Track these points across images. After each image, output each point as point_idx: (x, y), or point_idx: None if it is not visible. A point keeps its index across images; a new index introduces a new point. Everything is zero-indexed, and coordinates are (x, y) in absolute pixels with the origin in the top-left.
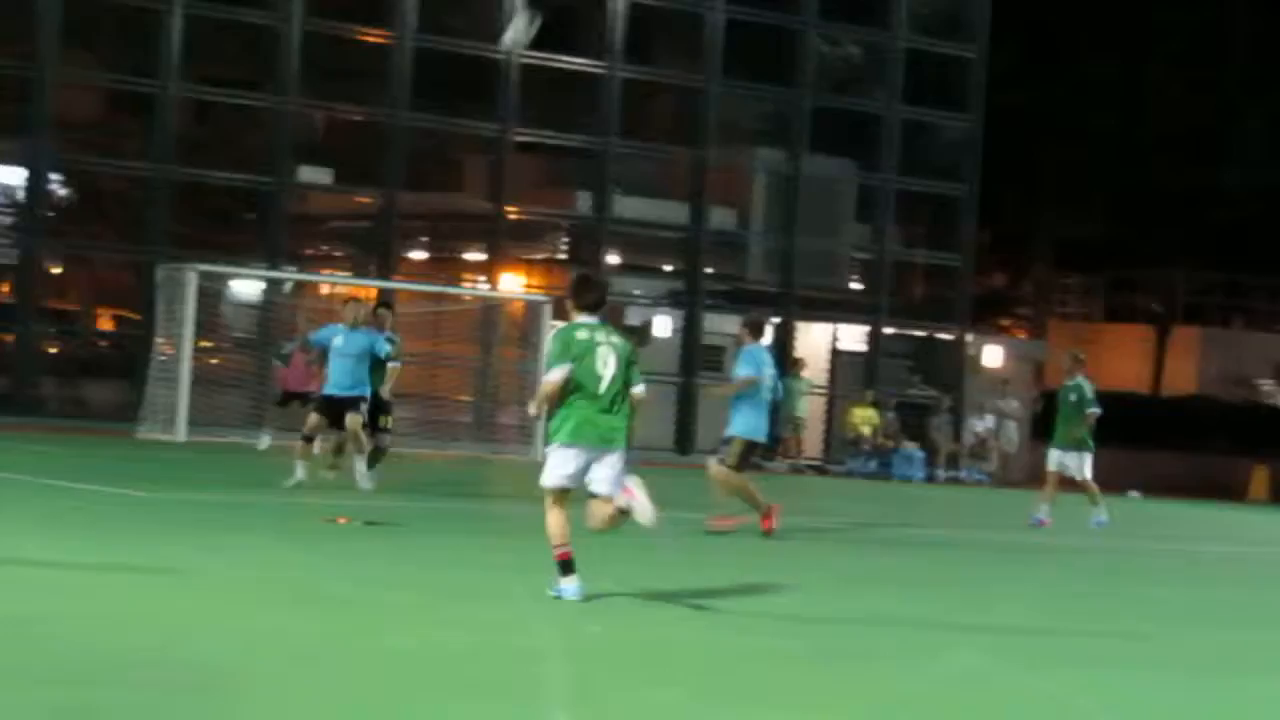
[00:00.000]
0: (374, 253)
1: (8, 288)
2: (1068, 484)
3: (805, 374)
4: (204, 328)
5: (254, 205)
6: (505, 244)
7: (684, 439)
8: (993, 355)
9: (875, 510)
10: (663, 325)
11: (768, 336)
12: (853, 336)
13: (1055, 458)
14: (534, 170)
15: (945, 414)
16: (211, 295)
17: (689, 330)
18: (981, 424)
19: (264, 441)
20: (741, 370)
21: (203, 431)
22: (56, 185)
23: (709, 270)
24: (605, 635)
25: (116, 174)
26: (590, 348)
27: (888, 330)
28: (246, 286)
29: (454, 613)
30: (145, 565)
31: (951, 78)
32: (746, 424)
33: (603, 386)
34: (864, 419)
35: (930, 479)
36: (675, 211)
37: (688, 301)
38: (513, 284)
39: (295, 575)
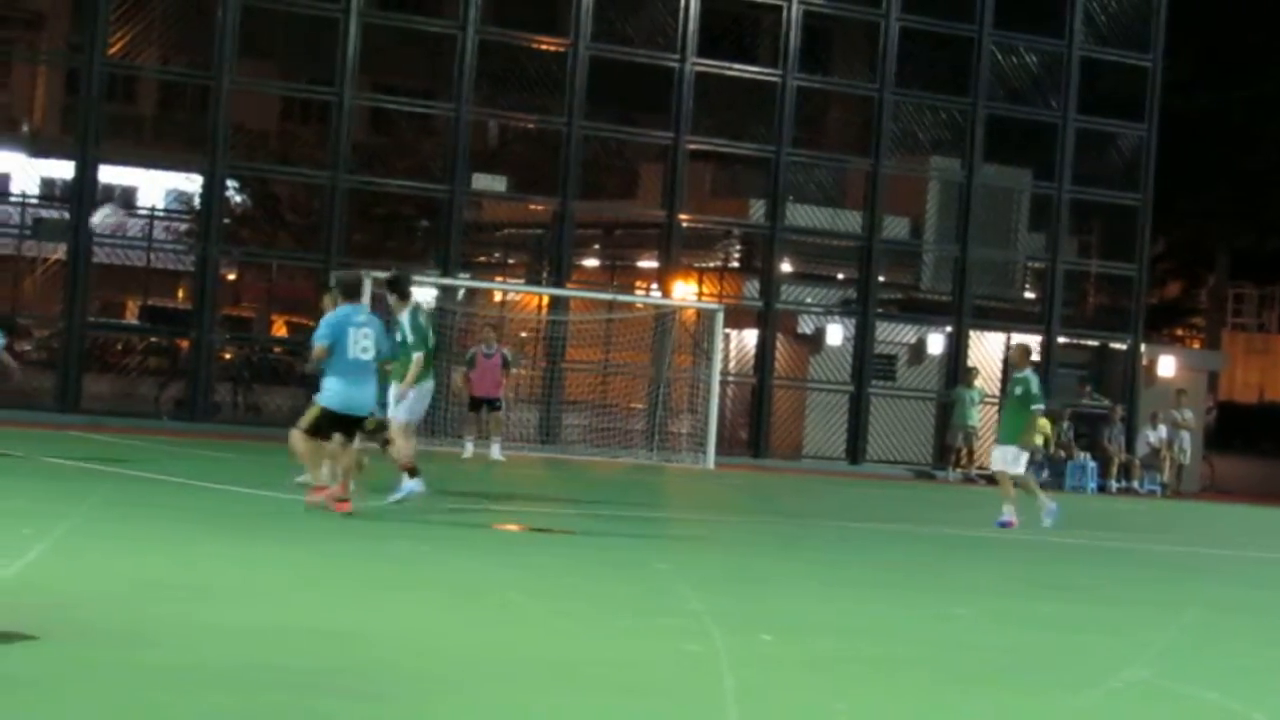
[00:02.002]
0: (547, 260)
1: (185, 294)
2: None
3: (978, 383)
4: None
5: (428, 213)
6: (678, 252)
7: (855, 448)
8: (1166, 365)
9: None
10: (835, 334)
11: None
12: None
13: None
14: (708, 178)
15: (1119, 424)
16: (386, 301)
17: (861, 339)
18: (1155, 434)
19: (467, 449)
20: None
21: (380, 438)
22: (233, 192)
23: (882, 279)
24: (777, 644)
25: (292, 181)
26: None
27: (1061, 340)
28: (420, 294)
29: (624, 621)
30: (312, 570)
31: (1127, 86)
32: None
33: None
34: (1037, 429)
35: (1103, 489)
36: (849, 220)
37: (860, 310)
38: (685, 291)
39: (464, 582)
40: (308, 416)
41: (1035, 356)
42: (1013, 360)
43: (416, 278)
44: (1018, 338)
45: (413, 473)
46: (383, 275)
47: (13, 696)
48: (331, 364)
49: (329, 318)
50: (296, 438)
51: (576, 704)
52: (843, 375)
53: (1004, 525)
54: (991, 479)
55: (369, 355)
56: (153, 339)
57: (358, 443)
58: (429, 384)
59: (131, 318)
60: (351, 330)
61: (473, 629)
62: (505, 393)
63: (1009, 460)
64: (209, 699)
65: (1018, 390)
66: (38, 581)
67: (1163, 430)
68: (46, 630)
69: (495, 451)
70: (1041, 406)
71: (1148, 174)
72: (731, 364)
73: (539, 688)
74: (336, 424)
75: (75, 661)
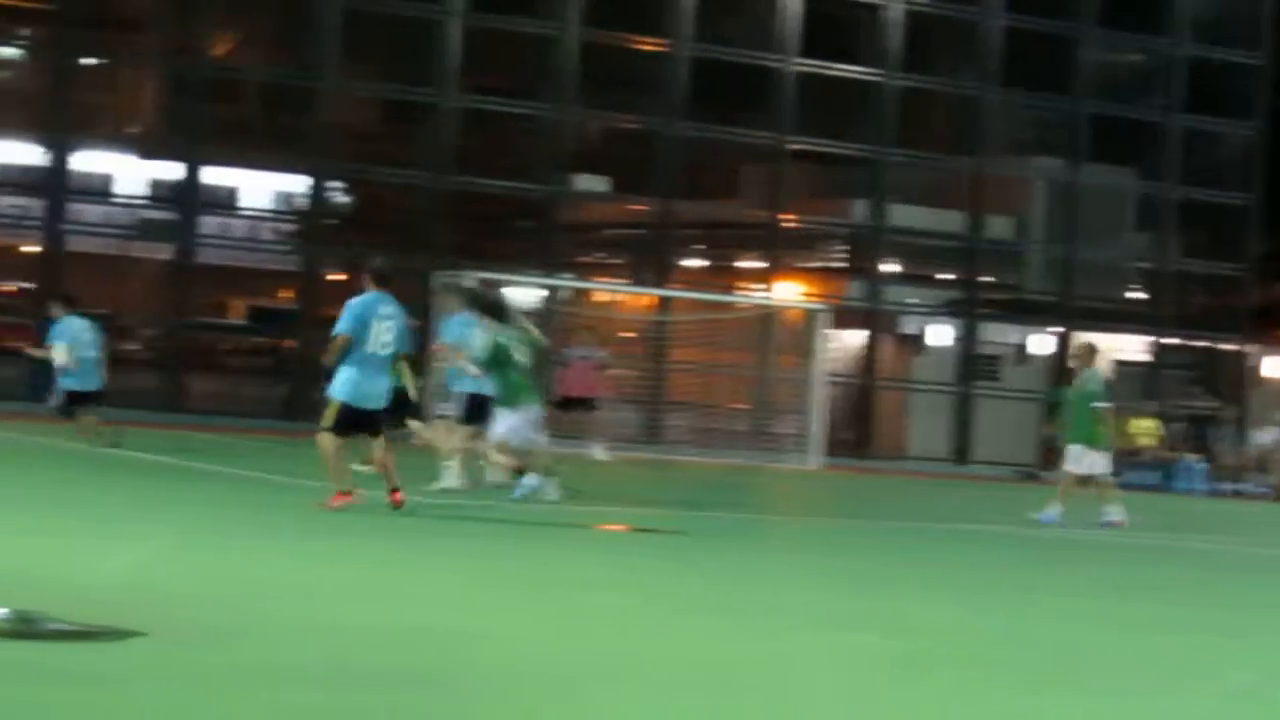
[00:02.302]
0: (650, 261)
1: (289, 295)
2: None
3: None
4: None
5: (530, 213)
6: (781, 252)
7: (962, 449)
8: (1272, 366)
9: (1156, 522)
10: (939, 334)
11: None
12: (1133, 347)
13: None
14: (810, 178)
15: (1228, 426)
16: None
17: (966, 340)
18: (1265, 436)
19: (598, 452)
20: None
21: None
22: (336, 193)
23: (986, 279)
24: (880, 644)
25: (395, 182)
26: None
27: (1168, 340)
28: (522, 294)
29: (728, 621)
30: (418, 569)
31: (1234, 84)
32: None
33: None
34: (1144, 430)
35: (1212, 492)
36: (952, 220)
37: (965, 311)
38: (788, 292)
39: (569, 581)
40: (328, 414)
41: (1102, 354)
42: (1079, 358)
43: (518, 278)
44: (1125, 339)
45: (520, 471)
46: (485, 277)
47: (119, 693)
48: (350, 355)
49: (354, 305)
50: (324, 439)
51: (679, 704)
52: (947, 376)
53: (1109, 525)
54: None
55: (388, 351)
56: (257, 339)
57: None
58: (531, 406)
59: (237, 318)
60: (375, 322)
61: (576, 629)
62: (601, 391)
63: (1076, 459)
64: (311, 698)
65: (1085, 388)
66: (144, 579)
67: (1274, 432)
68: (152, 627)
69: (598, 452)
70: (1104, 405)
71: (1256, 173)
72: (836, 364)
73: (641, 688)
74: (355, 419)
75: (181, 660)
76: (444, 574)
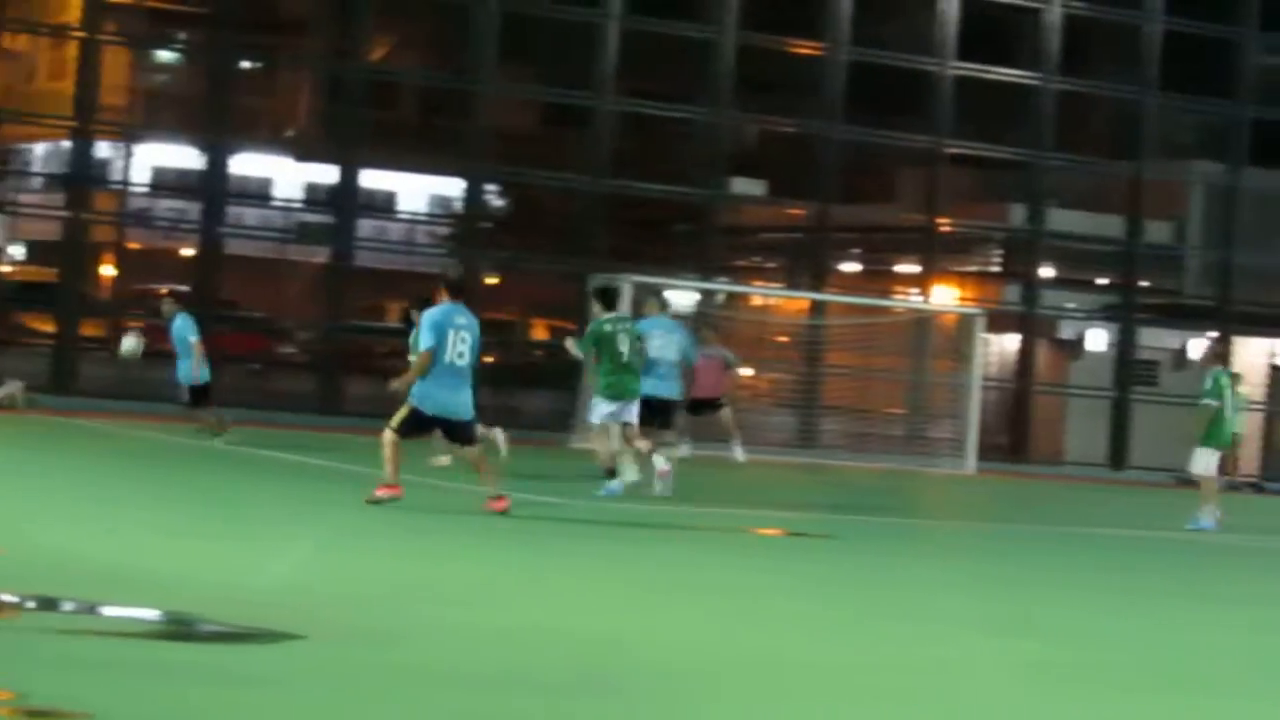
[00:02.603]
0: (806, 265)
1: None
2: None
3: (1242, 389)
4: None
5: (687, 217)
6: (937, 256)
7: (1118, 454)
8: None
9: None
10: (1096, 339)
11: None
12: None
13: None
14: (967, 182)
15: None
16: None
17: (1123, 345)
18: None
19: (738, 454)
20: None
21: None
22: (493, 197)
23: (1144, 284)
24: (1040, 651)
25: (551, 186)
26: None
27: None
28: (678, 298)
29: (883, 626)
30: (572, 573)
31: None
32: None
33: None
34: None
35: None
36: (1110, 225)
37: (1122, 316)
38: (944, 296)
39: (723, 585)
40: (398, 414)
41: (1226, 355)
42: (1203, 359)
43: (675, 281)
44: None
45: (611, 474)
46: (641, 280)
47: (281, 694)
48: (429, 366)
49: (431, 315)
50: (387, 434)
51: (835, 709)
52: (1103, 381)
53: (1198, 529)
54: (1256, 485)
55: (465, 360)
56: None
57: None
58: (622, 397)
59: (393, 321)
60: (451, 332)
61: (731, 633)
62: (727, 391)
63: (1194, 460)
64: (465, 701)
65: (1201, 389)
66: (301, 582)
67: None
68: (309, 630)
69: (738, 453)
70: (1208, 403)
71: None
72: (991, 369)
73: (796, 693)
74: (425, 425)
75: (337, 661)
76: (599, 578)
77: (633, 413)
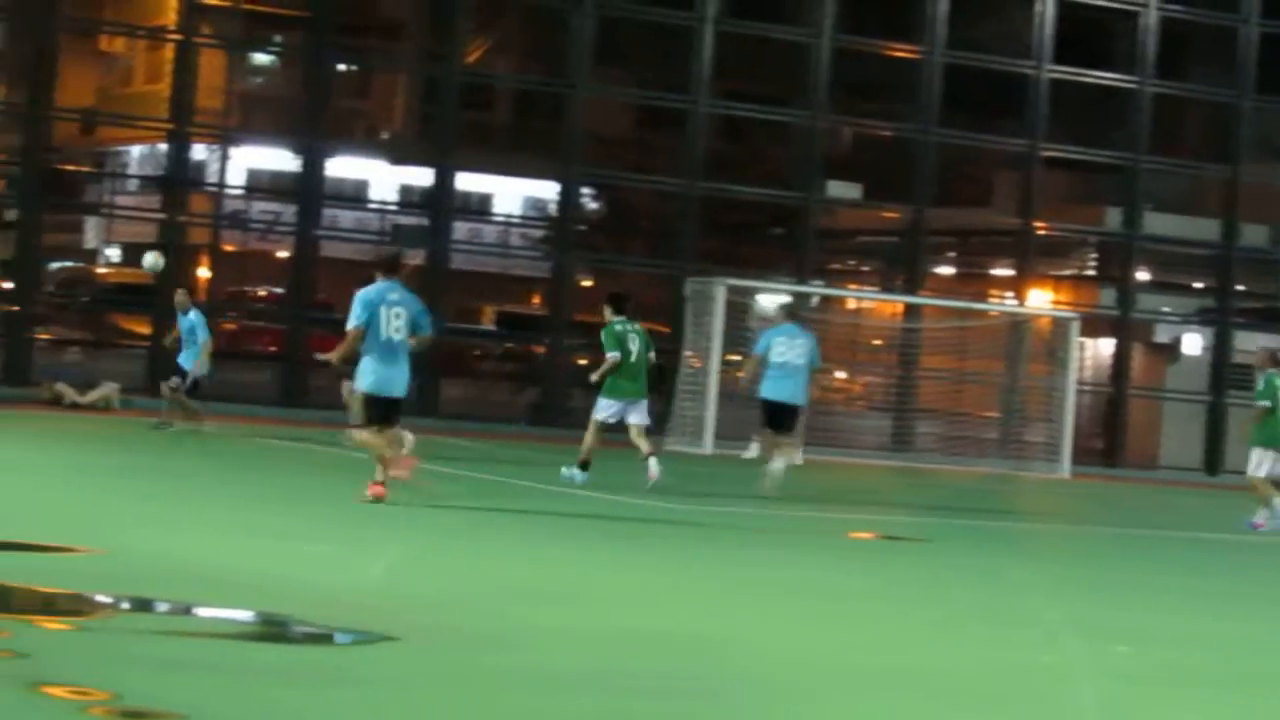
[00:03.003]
0: (901, 268)
1: (539, 300)
2: None
3: None
4: (732, 342)
5: (782, 220)
6: (1033, 260)
7: (1213, 459)
8: None
9: None
10: (1192, 343)
11: None
12: None
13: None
14: (1063, 186)
15: None
16: (739, 309)
17: (1219, 349)
18: None
19: (751, 450)
20: None
21: (730, 445)
22: (587, 199)
23: (1240, 288)
24: (1133, 655)
25: (646, 189)
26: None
27: None
28: (773, 301)
29: (977, 630)
30: (668, 576)
31: None
32: None
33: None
34: None
35: None
36: (1206, 228)
37: (1218, 320)
38: (1040, 300)
39: (819, 588)
40: (358, 411)
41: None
42: (1258, 363)
43: (769, 284)
44: None
45: (584, 465)
46: (736, 284)
47: (375, 696)
48: (366, 345)
49: (363, 294)
50: (361, 435)
51: (930, 713)
52: (1199, 385)
53: (1253, 527)
54: None
55: (401, 335)
56: (508, 344)
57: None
58: (629, 397)
59: (488, 323)
60: (384, 310)
61: (827, 636)
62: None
63: (1248, 461)
64: (564, 703)
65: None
66: (398, 584)
67: None
68: (406, 632)
69: (751, 450)
70: (1261, 404)
71: None
72: (1087, 372)
73: (893, 696)
74: (379, 408)
75: (435, 663)
76: (693, 579)
77: (641, 412)
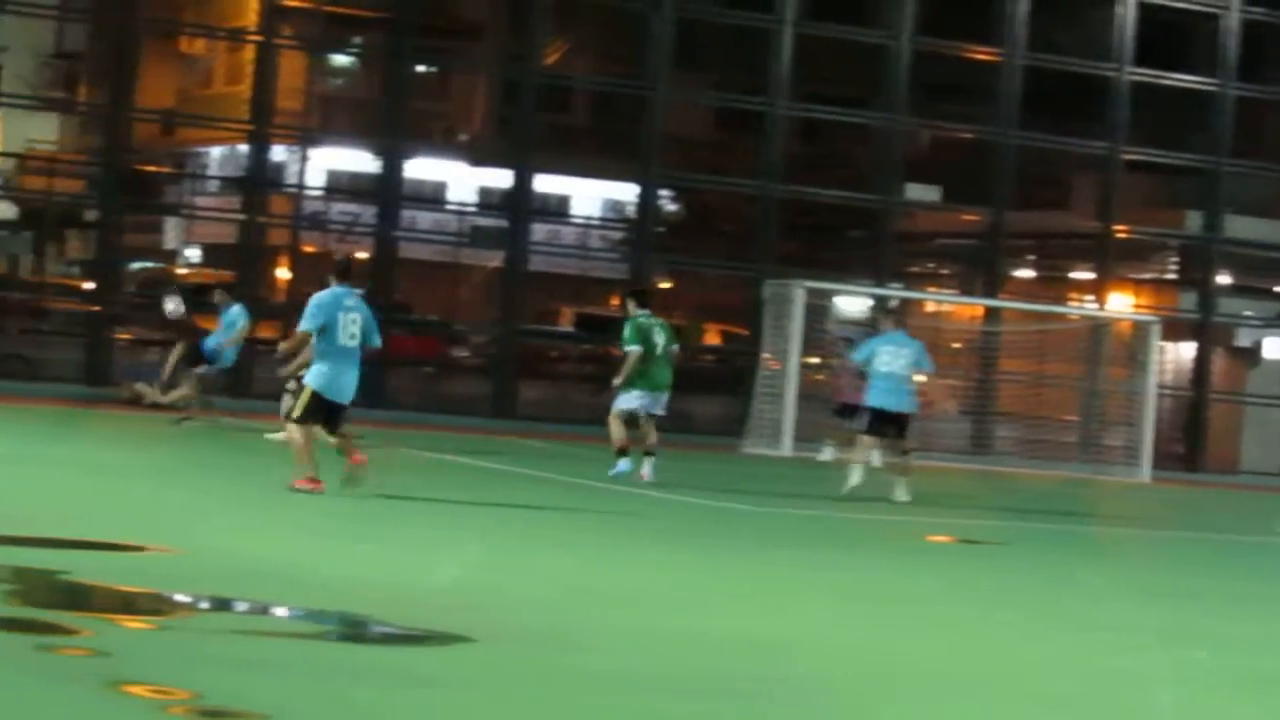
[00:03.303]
0: (980, 271)
1: (617, 302)
2: None
3: None
4: (809, 344)
5: (861, 223)
6: (1113, 263)
7: None
8: None
9: None
10: (1274, 347)
11: None
12: None
13: None
14: (1143, 189)
15: None
16: (817, 311)
17: None
18: None
19: (826, 453)
20: None
21: (807, 447)
22: (666, 201)
23: None
24: (1211, 660)
25: (724, 191)
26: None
27: None
28: (852, 303)
29: (1055, 634)
30: (742, 577)
31: None
32: None
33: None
34: None
35: None
36: None
37: None
38: (1119, 303)
39: (896, 591)
40: (299, 404)
41: None
42: None
43: (847, 287)
44: None
45: (623, 453)
46: (815, 286)
47: (447, 696)
48: (321, 348)
49: (318, 299)
50: (292, 430)
51: (1007, 718)
52: None
53: None
54: None
55: (355, 341)
56: (586, 346)
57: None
58: (652, 389)
59: (565, 325)
60: (341, 315)
61: (904, 640)
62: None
63: None
64: (636, 705)
65: None
66: (472, 584)
67: None
68: (480, 632)
69: (874, 459)
70: None
71: None
72: (1167, 376)
73: (970, 700)
74: (324, 410)
75: (506, 664)
76: (767, 582)
77: (662, 404)
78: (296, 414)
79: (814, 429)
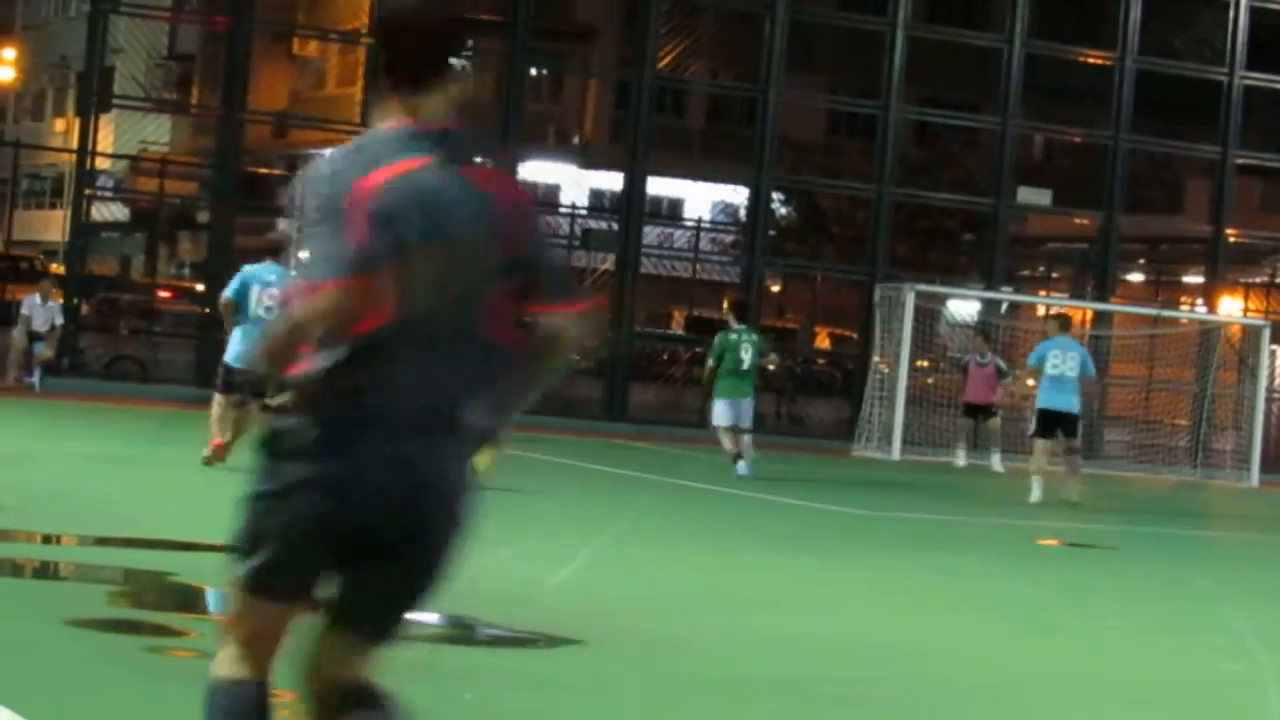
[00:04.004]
0: (1091, 275)
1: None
2: None
3: None
4: (921, 347)
5: (972, 226)
6: (1225, 267)
7: None
8: None
9: None
10: None
11: None
12: None
13: None
14: (1256, 193)
15: None
16: (928, 314)
17: None
18: None
19: (995, 463)
20: None
21: (918, 450)
22: (779, 205)
23: None
24: None
25: (837, 194)
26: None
27: None
28: (963, 306)
29: (1166, 639)
30: (854, 582)
31: None
32: None
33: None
34: None
35: None
36: None
37: None
38: (1230, 307)
39: (1005, 596)
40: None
41: None
42: None
43: (959, 290)
44: None
45: (737, 458)
46: (925, 289)
47: (557, 699)
48: (239, 318)
49: (241, 271)
50: (214, 398)
51: None
52: None
53: None
54: None
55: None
56: (697, 349)
57: None
58: (732, 397)
59: (677, 328)
60: (257, 288)
61: (1014, 644)
62: (1000, 400)
63: None
64: (752, 709)
65: None
66: (582, 587)
67: None
68: (590, 635)
69: (995, 462)
70: None
71: None
72: (1278, 381)
73: (1080, 705)
74: (230, 376)
75: (618, 667)
76: (880, 585)
77: (746, 414)
78: (217, 384)
79: (934, 434)
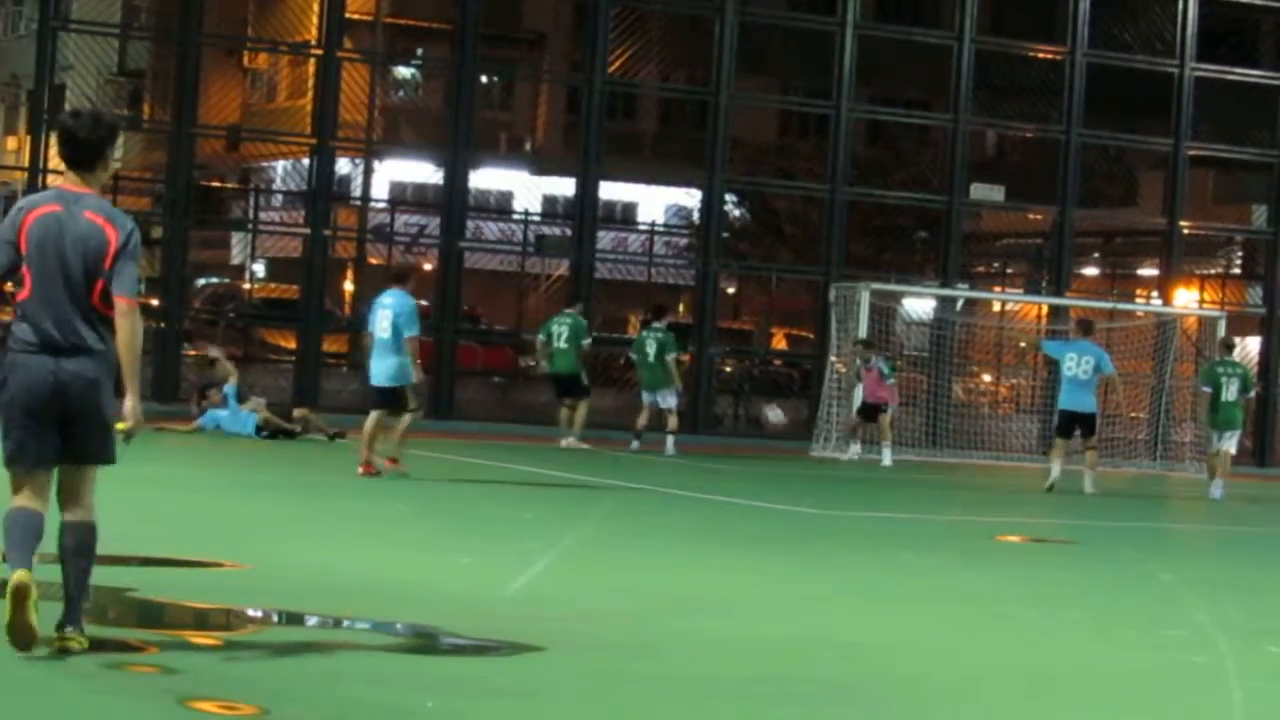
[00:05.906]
0: (1046, 269)
1: (685, 308)
2: None
3: None
4: (877, 345)
5: (926, 223)
6: (1180, 259)
7: None
8: None
9: None
10: None
11: None
12: None
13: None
14: (1209, 184)
15: None
16: (883, 313)
17: None
18: None
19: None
20: None
21: (873, 450)
22: (732, 207)
23: None
24: None
25: (791, 195)
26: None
27: None
28: (918, 304)
29: (1127, 632)
30: (816, 582)
31: None
32: None
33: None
34: None
35: None
36: None
37: None
38: (1187, 299)
39: (968, 592)
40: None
41: None
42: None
43: (913, 288)
44: None
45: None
46: (880, 288)
47: (520, 706)
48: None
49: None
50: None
51: (1081, 716)
52: None
53: None
54: None
55: (388, 334)
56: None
57: None
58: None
59: (632, 332)
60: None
61: (977, 640)
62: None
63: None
64: (716, 711)
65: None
66: (544, 594)
67: None
68: (553, 642)
69: (885, 457)
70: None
71: None
72: None
73: (1043, 700)
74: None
75: (581, 673)
76: (842, 585)
77: (663, 402)
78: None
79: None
